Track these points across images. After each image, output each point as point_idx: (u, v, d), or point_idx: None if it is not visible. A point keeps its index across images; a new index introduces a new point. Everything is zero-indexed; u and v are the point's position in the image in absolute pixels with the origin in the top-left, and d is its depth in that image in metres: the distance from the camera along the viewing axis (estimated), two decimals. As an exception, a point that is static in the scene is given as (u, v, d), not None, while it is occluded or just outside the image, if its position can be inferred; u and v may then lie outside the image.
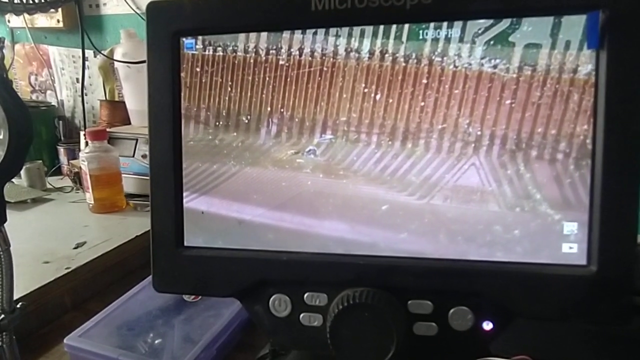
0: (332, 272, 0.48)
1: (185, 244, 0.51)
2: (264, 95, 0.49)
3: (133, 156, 1.17)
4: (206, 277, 0.51)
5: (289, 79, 0.48)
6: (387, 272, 0.47)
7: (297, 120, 0.49)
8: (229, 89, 0.49)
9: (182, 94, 0.50)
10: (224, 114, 0.50)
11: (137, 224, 1.03)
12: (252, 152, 0.50)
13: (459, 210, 0.47)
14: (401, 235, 0.47)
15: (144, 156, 1.15)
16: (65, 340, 0.64)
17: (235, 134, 0.50)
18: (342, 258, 0.48)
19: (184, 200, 0.51)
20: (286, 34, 0.47)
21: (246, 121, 0.49)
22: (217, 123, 0.50)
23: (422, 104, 0.46)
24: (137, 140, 1.18)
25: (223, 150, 0.50)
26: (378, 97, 0.47)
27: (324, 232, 0.49)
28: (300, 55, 0.48)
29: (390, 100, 0.47)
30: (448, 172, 0.47)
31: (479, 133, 0.45)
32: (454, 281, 0.46)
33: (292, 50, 0.48)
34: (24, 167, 1.23)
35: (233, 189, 0.50)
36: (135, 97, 1.30)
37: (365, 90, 0.47)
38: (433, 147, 0.47)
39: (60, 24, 1.55)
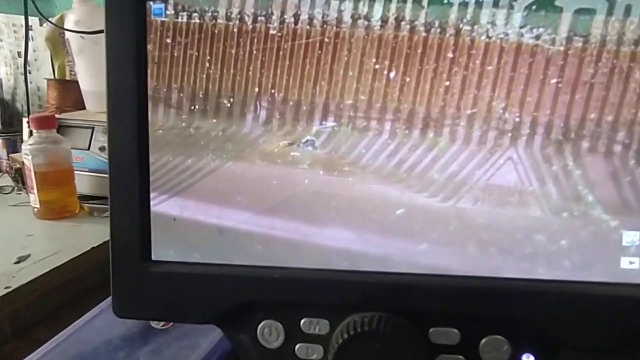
0: (335, 292, 0.48)
1: (153, 257, 0.50)
2: (250, 73, 0.48)
3: (88, 149, 1.17)
4: (179, 298, 0.51)
5: (281, 53, 0.48)
6: (403, 292, 0.47)
7: (291, 103, 0.48)
8: (207, 64, 0.49)
9: (149, 71, 0.50)
10: (200, 96, 0.50)
11: (94, 232, 1.03)
12: (235, 144, 0.50)
13: (492, 215, 0.47)
14: (420, 247, 0.47)
15: (101, 149, 1.14)
16: (3, 379, 0.63)
17: (214, 120, 0.50)
18: (348, 275, 0.48)
19: (152, 204, 0.51)
20: (278, -4, 0.45)
21: (228, 105, 0.49)
22: (193, 107, 0.50)
23: (447, 83, 0.46)
24: (93, 129, 1.17)
25: (199, 141, 0.50)
26: (392, 75, 0.47)
27: (325, 243, 0.49)
28: (296, 23, 0.47)
29: (408, 79, 0.46)
30: (479, 168, 0.46)
31: (517, 119, 0.45)
32: (486, 304, 0.46)
33: (285, 16, 0.48)
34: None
35: (212, 189, 0.50)
36: (90, 75, 1.30)
37: (377, 66, 0.47)
38: (460, 136, 0.47)
39: (-2, -15, 1.54)
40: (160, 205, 0.51)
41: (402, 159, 0.47)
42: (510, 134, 0.46)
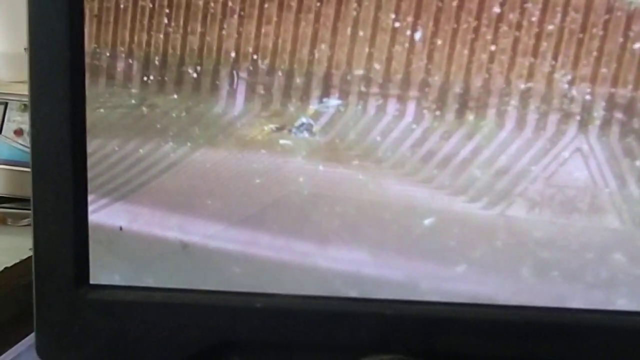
0: (339, 328, 0.46)
1: (92, 281, 0.48)
2: (224, 32, 0.45)
3: (0, 132, 1.11)
4: (125, 337, 0.48)
5: (266, 5, 0.45)
6: (431, 328, 0.46)
7: (280, 74, 0.45)
8: (166, 19, 0.46)
9: (87, 28, 0.46)
10: (156, 62, 0.46)
11: (7, 246, 0.97)
12: (204, 128, 0.47)
13: (554, 227, 0.44)
14: (456, 269, 0.45)
15: (18, 132, 1.09)
16: None
17: (175, 96, 0.46)
18: (357, 305, 0.46)
19: (90, 208, 0.48)
20: None
21: (194, 75, 0.46)
22: (146, 78, 0.46)
23: (492, 48, 0.43)
24: (6, 105, 1.13)
25: (155, 123, 0.47)
26: (418, 36, 0.44)
27: (325, 264, 0.46)
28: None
29: (439, 42, 0.44)
30: (536, 162, 0.44)
31: (588, 97, 0.43)
32: (545, 343, 0.45)
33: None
34: None
35: (173, 189, 0.47)
36: (2, 31, 1.25)
37: (397, 24, 0.44)
38: (511, 120, 0.44)
39: None
40: (102, 210, 0.48)
41: (432, 149, 0.45)
42: (578, 118, 0.43)
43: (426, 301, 0.46)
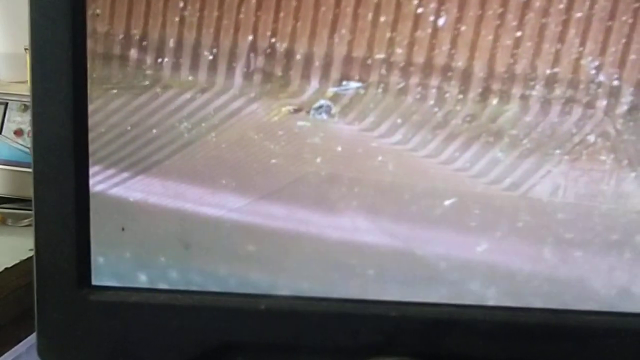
0: (343, 330, 0.47)
1: (94, 282, 0.47)
2: (241, 15, 0.45)
3: (0, 133, 1.10)
4: (127, 338, 0.48)
5: None
6: (437, 330, 0.46)
7: (299, 56, 0.45)
8: (181, 3, 0.45)
9: (89, 10, 0.45)
10: (171, 45, 0.46)
11: (8, 247, 0.97)
12: (220, 110, 0.46)
13: (580, 209, 0.44)
14: (477, 249, 0.46)
15: (18, 132, 1.08)
16: None
17: (191, 78, 0.46)
18: (361, 307, 0.47)
19: (92, 207, 0.47)
20: None
21: (210, 57, 0.46)
22: (160, 60, 0.46)
23: (518, 33, 0.43)
24: (6, 105, 1.12)
25: (169, 105, 0.46)
26: (441, 21, 0.44)
27: (340, 248, 0.47)
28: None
29: (463, 28, 0.43)
30: (560, 146, 0.44)
31: (615, 83, 0.43)
32: (552, 346, 0.45)
33: None
34: None
35: (182, 176, 0.47)
36: (2, 32, 1.22)
37: (420, 9, 0.44)
38: (535, 104, 0.44)
39: None
40: (105, 208, 0.48)
41: (454, 132, 0.45)
42: (605, 102, 0.43)
43: (431, 303, 0.46)
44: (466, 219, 0.46)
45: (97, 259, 0.49)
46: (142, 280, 0.49)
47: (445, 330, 0.46)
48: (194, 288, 0.48)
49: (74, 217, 0.48)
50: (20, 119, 1.10)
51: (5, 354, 0.70)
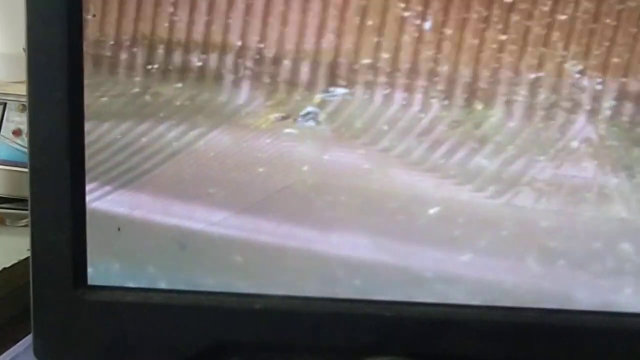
0: (338, 330, 0.46)
1: (90, 282, 0.47)
2: (230, 20, 0.45)
3: None
4: (124, 338, 0.48)
5: None
6: (432, 330, 0.46)
7: (286, 62, 0.45)
8: (170, 8, 0.45)
9: (88, 14, 0.45)
10: (161, 50, 0.46)
11: (6, 247, 0.96)
12: (208, 116, 0.46)
13: (562, 217, 0.45)
14: (461, 258, 0.46)
15: (16, 133, 1.08)
16: None
17: (180, 85, 0.46)
18: (356, 307, 0.46)
19: (88, 206, 0.47)
20: None
21: (199, 63, 0.46)
22: (149, 66, 0.46)
23: (503, 37, 0.43)
24: (4, 105, 1.11)
25: (159, 112, 0.47)
26: (427, 25, 0.44)
27: (328, 254, 0.47)
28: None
29: (448, 31, 0.44)
30: (544, 152, 0.44)
31: (598, 87, 0.43)
32: (547, 346, 0.45)
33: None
34: None
35: (174, 179, 0.47)
36: (0, 29, 1.23)
37: (406, 13, 0.44)
38: (519, 110, 0.44)
39: None
40: (100, 208, 0.48)
41: (439, 139, 0.45)
42: (589, 107, 0.44)
43: (426, 303, 0.46)
44: (450, 228, 0.45)
45: (93, 259, 0.49)
46: (138, 280, 0.49)
47: (440, 330, 0.46)
48: (190, 288, 0.48)
49: (70, 217, 0.48)
50: (18, 119, 1.08)
51: (4, 354, 0.69)
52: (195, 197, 0.47)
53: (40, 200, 0.47)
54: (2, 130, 1.06)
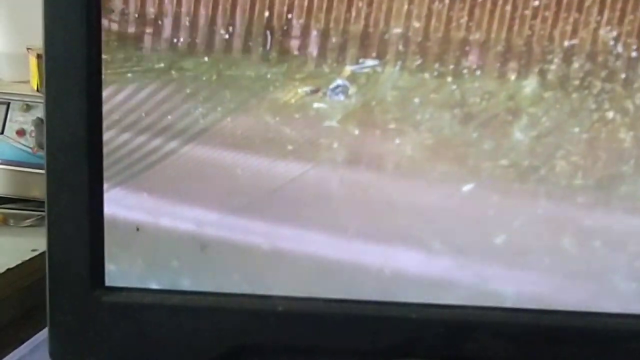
0: (363, 332, 0.46)
1: (107, 283, 0.47)
2: None
3: (2, 133, 1.10)
4: (142, 341, 0.47)
5: None
6: (459, 333, 0.45)
7: (315, 34, 0.44)
8: None
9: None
10: (187, 24, 0.45)
11: (10, 248, 0.96)
12: (236, 92, 0.45)
13: (598, 192, 0.43)
14: (495, 240, 0.44)
15: (20, 133, 1.08)
16: None
17: (206, 59, 0.45)
18: (381, 309, 0.46)
19: (105, 207, 0.46)
20: None
21: (226, 36, 0.45)
22: (175, 41, 0.45)
23: (536, 3, 0.43)
24: (8, 105, 1.11)
25: (185, 87, 0.45)
26: None
27: (357, 241, 0.45)
28: None
29: None
30: (579, 123, 0.44)
31: (634, 55, 0.42)
32: (575, 349, 0.45)
33: None
34: None
35: (193, 174, 0.46)
36: (4, 32, 1.23)
37: None
38: (553, 79, 0.44)
39: None
40: (119, 208, 0.47)
41: (471, 112, 0.44)
42: (623, 75, 0.42)
43: (453, 305, 0.45)
44: (484, 206, 0.44)
45: (111, 260, 0.48)
46: (157, 281, 0.48)
47: (466, 333, 0.45)
48: (210, 289, 0.47)
49: (87, 217, 0.47)
50: (22, 119, 1.07)
51: (9, 355, 0.68)
52: (218, 186, 0.47)
53: (57, 200, 0.47)
54: (5, 130, 1.06)
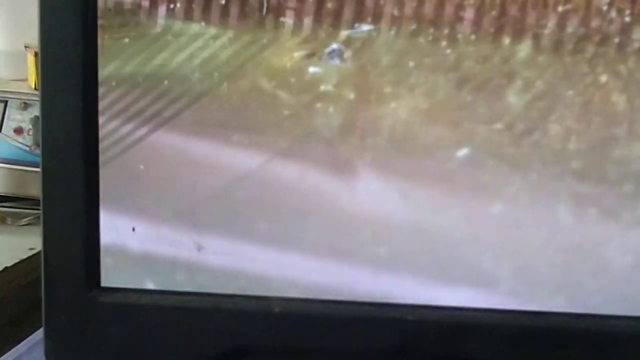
0: (359, 334, 0.45)
1: (103, 283, 0.46)
2: None
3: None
4: (138, 341, 0.47)
5: None
6: (456, 334, 0.45)
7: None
8: None
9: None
10: None
11: (7, 246, 0.95)
12: (232, 57, 0.45)
13: (592, 156, 0.43)
14: (491, 210, 0.43)
15: (17, 131, 1.07)
16: None
17: (203, 23, 0.45)
18: (378, 310, 0.45)
19: (101, 206, 0.46)
20: None
21: (222, 1, 0.44)
22: (171, 5, 0.45)
23: None
24: (6, 103, 1.10)
25: (179, 51, 0.45)
26: None
27: (353, 211, 0.45)
28: None
29: None
30: (572, 86, 0.44)
31: (627, 20, 0.42)
32: (575, 352, 0.45)
33: None
34: None
35: (197, 124, 0.46)
36: (2, 29, 1.23)
37: None
38: (547, 44, 0.44)
39: None
40: (115, 207, 0.47)
41: (466, 76, 0.43)
42: (617, 40, 0.42)
43: (450, 306, 0.45)
44: (479, 172, 0.44)
45: (107, 260, 0.47)
46: (154, 281, 0.47)
47: (464, 335, 0.45)
48: (207, 290, 0.47)
49: (83, 216, 0.46)
50: (20, 117, 1.06)
51: (6, 354, 0.67)
52: (220, 145, 0.46)
53: (53, 198, 0.46)
54: (3, 128, 1.05)
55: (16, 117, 1.08)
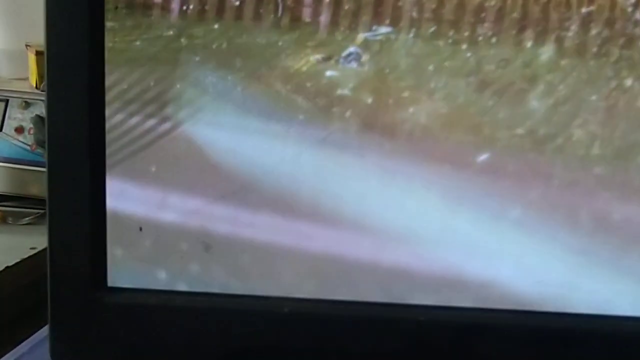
0: (370, 335, 0.45)
1: (109, 284, 0.46)
2: None
3: (0, 130, 1.10)
4: (145, 342, 0.46)
5: None
6: (468, 336, 0.44)
7: (328, 0, 0.42)
8: None
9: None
10: None
11: (8, 246, 0.95)
12: (246, 59, 0.44)
13: (616, 163, 0.42)
14: (511, 214, 0.42)
15: (19, 130, 1.07)
16: None
17: (217, 26, 0.44)
18: (389, 311, 0.45)
19: (108, 206, 0.46)
20: None
21: (237, 3, 0.44)
22: (185, 7, 0.44)
23: None
24: (6, 102, 1.11)
25: (194, 56, 0.44)
26: None
27: (361, 259, 0.44)
28: None
29: None
30: (597, 91, 0.43)
31: None
32: (589, 353, 0.44)
33: None
34: None
35: (197, 167, 0.45)
36: (3, 28, 1.24)
37: None
38: (570, 47, 0.43)
39: None
40: (122, 207, 0.46)
41: (486, 80, 0.43)
42: None
43: (462, 307, 0.44)
44: (499, 175, 0.43)
45: (113, 260, 0.47)
46: (160, 282, 0.47)
47: (475, 336, 0.44)
48: (215, 290, 0.46)
49: (89, 216, 0.46)
50: (21, 116, 1.06)
51: (8, 354, 0.67)
52: (225, 174, 0.45)
53: (59, 198, 0.46)
54: (4, 127, 1.05)
55: (17, 116, 1.08)
